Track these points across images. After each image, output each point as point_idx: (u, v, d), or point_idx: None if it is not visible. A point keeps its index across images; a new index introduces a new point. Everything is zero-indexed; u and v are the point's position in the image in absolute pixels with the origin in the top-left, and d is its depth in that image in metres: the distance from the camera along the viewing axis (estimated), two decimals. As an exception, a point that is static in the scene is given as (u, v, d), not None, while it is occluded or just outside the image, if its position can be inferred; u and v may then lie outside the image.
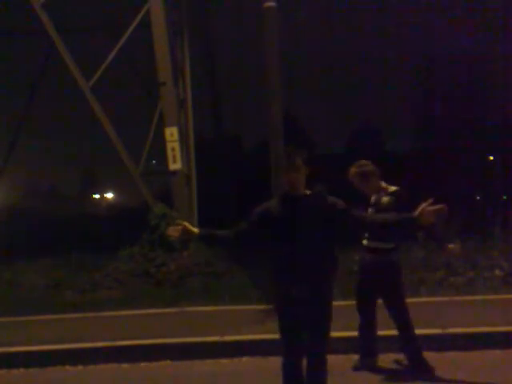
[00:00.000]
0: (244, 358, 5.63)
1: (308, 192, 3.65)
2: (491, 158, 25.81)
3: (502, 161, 21.84)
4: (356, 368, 5.15)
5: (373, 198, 4.98)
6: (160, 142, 11.34)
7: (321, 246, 3.55)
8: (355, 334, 5.30)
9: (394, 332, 5.61)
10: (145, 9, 11.23)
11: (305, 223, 3.54)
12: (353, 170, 5.06)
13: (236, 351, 5.69)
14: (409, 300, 7.11)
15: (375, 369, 5.08)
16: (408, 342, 5.04)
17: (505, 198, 18.45)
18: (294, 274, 3.54)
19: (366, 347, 5.17)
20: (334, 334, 5.61)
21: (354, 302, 5.29)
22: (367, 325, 5.16)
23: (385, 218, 3.83)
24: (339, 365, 5.14)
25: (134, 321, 7.04)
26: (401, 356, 5.26)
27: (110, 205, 55.21)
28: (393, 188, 4.99)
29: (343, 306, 5.80)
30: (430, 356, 5.35)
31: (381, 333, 5.30)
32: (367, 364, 5.13)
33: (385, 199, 4.89)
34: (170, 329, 6.42)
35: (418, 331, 5.62)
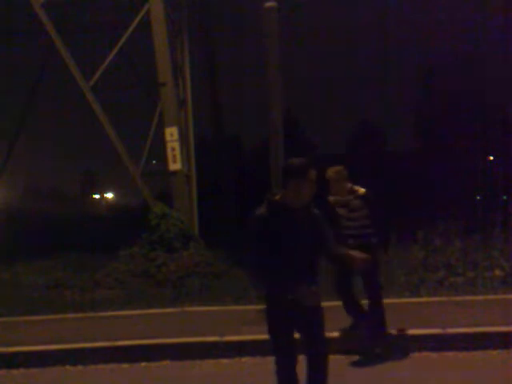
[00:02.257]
0: (244, 358, 5.63)
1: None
2: (491, 158, 25.84)
3: (502, 161, 21.85)
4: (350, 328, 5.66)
5: (343, 200, 5.63)
6: (160, 142, 11.36)
7: (311, 252, 3.60)
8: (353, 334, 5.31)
9: (393, 333, 5.65)
10: (145, 8, 11.24)
11: (302, 233, 3.54)
12: (329, 173, 5.66)
13: (236, 351, 5.68)
14: (409, 300, 7.18)
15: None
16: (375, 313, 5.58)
17: (505, 197, 18.45)
18: (291, 277, 3.53)
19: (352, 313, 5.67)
20: (334, 334, 5.68)
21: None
22: (351, 303, 5.65)
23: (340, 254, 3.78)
24: (339, 365, 5.15)
25: (134, 321, 7.03)
26: (400, 356, 5.28)
27: (110, 205, 55.28)
28: (362, 190, 5.64)
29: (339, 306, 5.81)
30: (429, 356, 5.36)
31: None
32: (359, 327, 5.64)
33: (356, 202, 5.59)
34: (170, 329, 6.42)
35: (417, 331, 5.65)
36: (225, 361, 5.63)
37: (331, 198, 5.71)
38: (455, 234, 9.47)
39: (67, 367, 5.77)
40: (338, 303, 5.71)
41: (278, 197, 3.58)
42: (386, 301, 6.47)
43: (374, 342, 5.51)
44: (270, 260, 3.51)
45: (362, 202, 5.60)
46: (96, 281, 9.28)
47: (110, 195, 65.99)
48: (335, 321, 5.77)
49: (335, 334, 5.60)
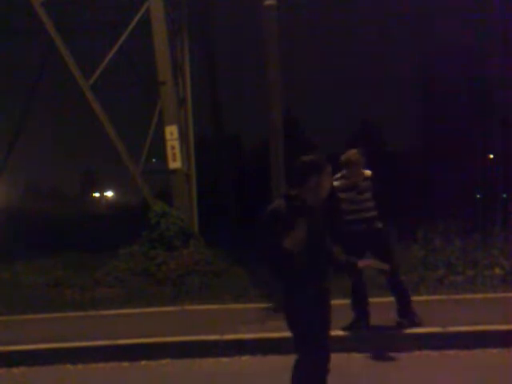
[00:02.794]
0: (244, 357, 5.62)
1: None
2: (491, 156, 25.84)
3: (502, 159, 21.85)
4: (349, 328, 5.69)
5: (350, 183, 5.76)
6: (160, 140, 11.34)
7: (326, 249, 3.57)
8: (353, 333, 5.32)
9: (393, 331, 5.65)
10: (144, 7, 11.22)
11: (321, 229, 3.51)
12: (350, 157, 5.79)
13: (236, 350, 5.68)
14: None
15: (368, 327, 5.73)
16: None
17: (505, 196, 18.47)
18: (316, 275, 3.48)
19: (359, 309, 5.79)
20: (334, 332, 5.67)
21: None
22: (358, 290, 5.82)
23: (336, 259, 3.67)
24: (339, 364, 5.15)
25: (134, 319, 7.04)
26: (400, 355, 5.28)
27: (110, 203, 55.27)
28: (368, 172, 5.85)
29: (344, 304, 5.82)
30: (429, 354, 5.36)
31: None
32: (361, 324, 5.73)
33: (364, 184, 5.78)
34: (170, 327, 6.42)
35: (418, 330, 5.66)
36: (225, 359, 5.62)
37: (336, 183, 5.74)
38: (455, 232, 9.47)
39: (67, 366, 5.77)
40: (342, 302, 5.75)
41: (294, 193, 3.49)
42: (385, 299, 6.51)
43: (401, 315, 5.77)
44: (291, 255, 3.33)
45: (369, 183, 5.76)
46: (96, 279, 9.27)
47: (109, 194, 66.00)
48: (337, 319, 5.80)
49: (337, 333, 5.61)
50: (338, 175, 5.86)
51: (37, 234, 15.32)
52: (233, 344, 5.74)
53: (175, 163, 10.91)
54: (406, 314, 5.81)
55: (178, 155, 10.90)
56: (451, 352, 5.39)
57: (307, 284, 3.41)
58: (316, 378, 3.49)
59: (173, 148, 10.86)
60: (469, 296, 7.16)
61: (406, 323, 5.74)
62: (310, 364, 3.48)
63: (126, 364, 5.71)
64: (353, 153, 5.80)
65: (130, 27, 11.46)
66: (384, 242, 5.78)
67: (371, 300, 5.94)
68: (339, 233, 5.37)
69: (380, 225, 5.74)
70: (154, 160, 14.43)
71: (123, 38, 11.57)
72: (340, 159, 5.83)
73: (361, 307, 5.82)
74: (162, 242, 9.98)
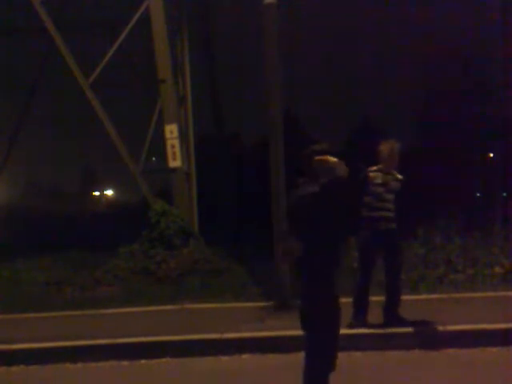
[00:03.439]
0: (244, 356, 5.62)
1: None
2: (491, 155, 25.82)
3: (502, 158, 21.83)
4: (351, 326, 5.66)
5: (385, 178, 5.78)
6: (160, 139, 11.33)
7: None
8: (353, 331, 5.31)
9: (393, 330, 5.65)
10: (144, 5, 11.20)
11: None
12: (392, 145, 5.84)
13: (236, 348, 5.68)
14: (409, 297, 7.17)
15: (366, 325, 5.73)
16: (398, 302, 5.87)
17: (505, 195, 18.44)
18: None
19: (359, 306, 5.80)
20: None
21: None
22: (366, 288, 5.83)
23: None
24: (339, 363, 5.14)
25: (134, 318, 7.04)
26: (400, 354, 5.29)
27: (110, 202, 55.25)
28: (399, 175, 5.94)
29: (344, 303, 5.81)
30: (429, 353, 5.36)
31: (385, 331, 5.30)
32: (360, 321, 5.74)
33: (394, 184, 5.85)
34: (170, 326, 6.42)
35: (417, 328, 5.65)
36: (225, 358, 5.62)
37: (373, 175, 5.77)
38: (455, 231, 9.47)
39: (67, 365, 5.77)
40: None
41: (302, 181, 3.40)
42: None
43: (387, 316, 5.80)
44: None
45: (398, 185, 5.82)
46: (96, 278, 9.27)
47: (109, 192, 65.94)
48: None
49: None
50: (374, 168, 5.82)
51: (37, 232, 15.34)
52: (233, 342, 5.74)
53: (175, 162, 10.90)
54: (390, 313, 5.83)
55: (178, 154, 10.89)
56: (451, 350, 5.39)
57: (329, 282, 3.36)
58: (324, 376, 3.48)
59: (173, 147, 10.85)
60: (469, 294, 7.16)
61: (355, 323, 5.74)
62: (318, 362, 3.47)
63: (125, 363, 5.71)
64: (394, 144, 5.81)
65: (130, 25, 11.44)
66: (396, 243, 5.88)
67: (373, 299, 5.93)
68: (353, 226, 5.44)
69: (394, 225, 5.80)
70: (153, 159, 14.43)
71: (123, 36, 11.56)
72: (379, 148, 5.80)
73: (361, 304, 5.84)
74: (162, 240, 9.98)
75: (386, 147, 5.78)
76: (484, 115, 24.16)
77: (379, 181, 5.76)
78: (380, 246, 5.81)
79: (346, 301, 5.80)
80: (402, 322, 5.73)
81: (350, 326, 5.67)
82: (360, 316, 5.80)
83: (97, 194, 64.97)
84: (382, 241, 5.77)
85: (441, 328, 5.63)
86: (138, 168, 11.40)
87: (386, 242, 5.79)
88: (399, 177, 5.88)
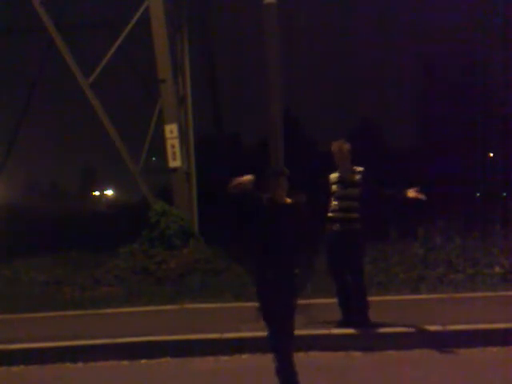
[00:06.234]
0: (244, 355, 5.63)
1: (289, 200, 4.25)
2: (491, 154, 25.81)
3: (502, 158, 21.83)
4: (340, 324, 5.75)
5: (341, 176, 5.82)
6: (160, 139, 11.33)
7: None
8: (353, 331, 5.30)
9: (393, 330, 5.65)
10: (144, 5, 11.21)
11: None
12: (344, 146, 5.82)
13: (236, 348, 5.69)
14: (409, 297, 7.18)
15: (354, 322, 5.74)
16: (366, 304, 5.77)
17: (504, 194, 18.44)
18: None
19: (345, 307, 5.83)
20: (333, 331, 5.68)
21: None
22: (341, 289, 5.83)
23: None
24: (339, 363, 5.15)
25: (134, 318, 7.04)
26: (400, 353, 5.29)
27: (110, 202, 55.24)
28: (360, 168, 5.82)
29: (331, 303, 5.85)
30: (429, 353, 5.36)
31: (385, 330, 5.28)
32: (349, 320, 5.77)
33: (352, 177, 5.79)
34: (170, 326, 6.42)
35: (417, 328, 5.65)
36: (225, 358, 5.63)
37: (332, 175, 5.83)
38: (455, 231, 9.47)
39: (67, 364, 5.77)
40: (329, 301, 5.79)
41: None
42: (386, 298, 6.52)
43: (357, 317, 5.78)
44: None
45: (359, 178, 5.72)
46: (96, 278, 9.28)
47: (109, 192, 65.93)
48: (329, 318, 5.83)
49: (332, 331, 5.63)
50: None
51: (37, 232, 15.33)
52: (233, 342, 5.75)
53: (175, 162, 10.90)
54: (360, 314, 5.82)
55: (178, 154, 10.90)
56: (451, 350, 5.39)
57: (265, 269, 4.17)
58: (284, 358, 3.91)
59: (173, 146, 10.85)
60: (469, 294, 7.16)
61: (341, 324, 5.79)
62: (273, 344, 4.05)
63: (125, 362, 5.71)
64: (343, 144, 5.80)
65: (130, 25, 11.45)
66: (357, 244, 5.80)
67: (369, 298, 5.93)
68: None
69: (358, 226, 5.74)
70: (153, 158, 14.43)
71: (123, 36, 11.56)
72: (331, 149, 5.85)
73: (344, 306, 5.87)
74: (162, 240, 9.99)
75: (334, 147, 5.83)
76: (484, 115, 24.16)
77: (335, 180, 5.83)
78: (342, 247, 5.75)
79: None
80: (366, 324, 5.71)
81: (337, 326, 5.74)
82: (345, 317, 5.83)
83: (97, 193, 64.98)
84: (342, 242, 5.73)
85: (441, 328, 5.63)
86: (137, 168, 11.40)
87: (348, 242, 5.73)
88: (359, 169, 5.81)
